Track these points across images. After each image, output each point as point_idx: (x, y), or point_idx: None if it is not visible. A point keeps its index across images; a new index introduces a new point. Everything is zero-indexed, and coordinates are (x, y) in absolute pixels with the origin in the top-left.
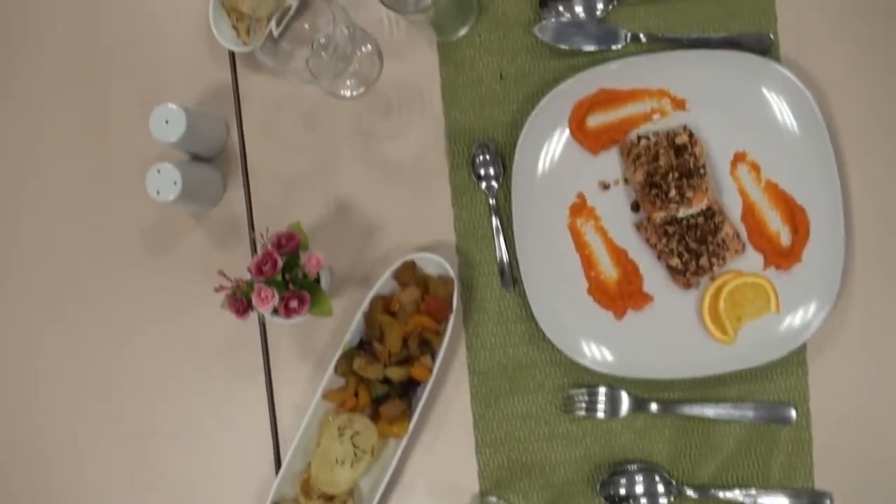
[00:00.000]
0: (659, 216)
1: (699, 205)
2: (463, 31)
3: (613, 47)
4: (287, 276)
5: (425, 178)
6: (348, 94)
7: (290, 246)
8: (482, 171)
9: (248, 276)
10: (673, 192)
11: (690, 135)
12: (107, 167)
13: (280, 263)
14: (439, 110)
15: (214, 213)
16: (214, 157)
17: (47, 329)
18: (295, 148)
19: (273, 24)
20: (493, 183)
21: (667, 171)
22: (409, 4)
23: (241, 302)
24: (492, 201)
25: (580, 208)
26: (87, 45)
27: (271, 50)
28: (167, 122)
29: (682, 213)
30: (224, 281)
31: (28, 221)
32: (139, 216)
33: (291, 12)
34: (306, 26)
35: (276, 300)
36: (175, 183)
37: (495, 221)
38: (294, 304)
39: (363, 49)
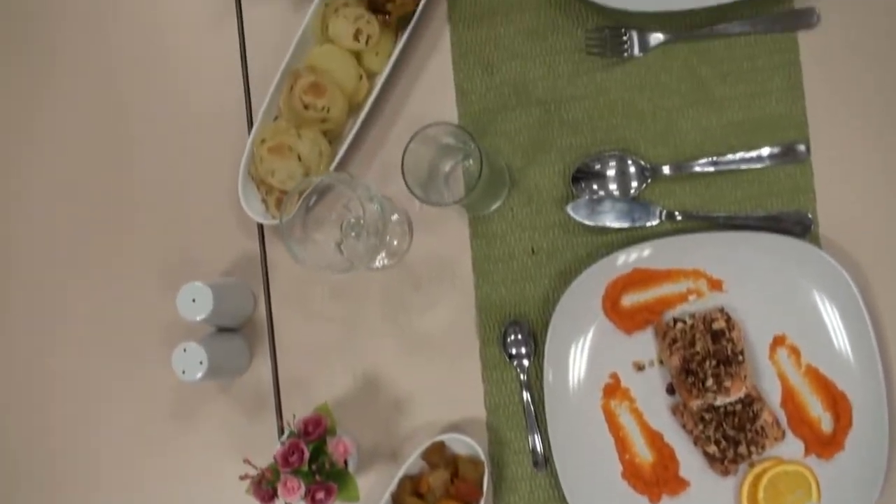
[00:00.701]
0: (695, 404)
1: (737, 394)
2: (495, 206)
3: (648, 224)
4: (314, 467)
5: (455, 353)
6: (378, 265)
7: (317, 433)
8: (513, 350)
9: (273, 462)
10: (710, 381)
11: (728, 319)
12: (131, 334)
13: (307, 454)
14: (470, 284)
15: (240, 381)
16: (241, 327)
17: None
18: (322, 319)
19: (305, 199)
20: (525, 361)
21: (703, 358)
22: (444, 198)
23: (266, 491)
24: (523, 377)
25: (614, 389)
26: (116, 210)
27: (300, 232)
28: (194, 300)
29: (720, 401)
30: (249, 469)
31: (50, 387)
32: (162, 384)
33: (314, 199)
34: (333, 215)
35: (302, 491)
36: (201, 362)
37: (526, 397)
38: (321, 495)
39: (393, 218)
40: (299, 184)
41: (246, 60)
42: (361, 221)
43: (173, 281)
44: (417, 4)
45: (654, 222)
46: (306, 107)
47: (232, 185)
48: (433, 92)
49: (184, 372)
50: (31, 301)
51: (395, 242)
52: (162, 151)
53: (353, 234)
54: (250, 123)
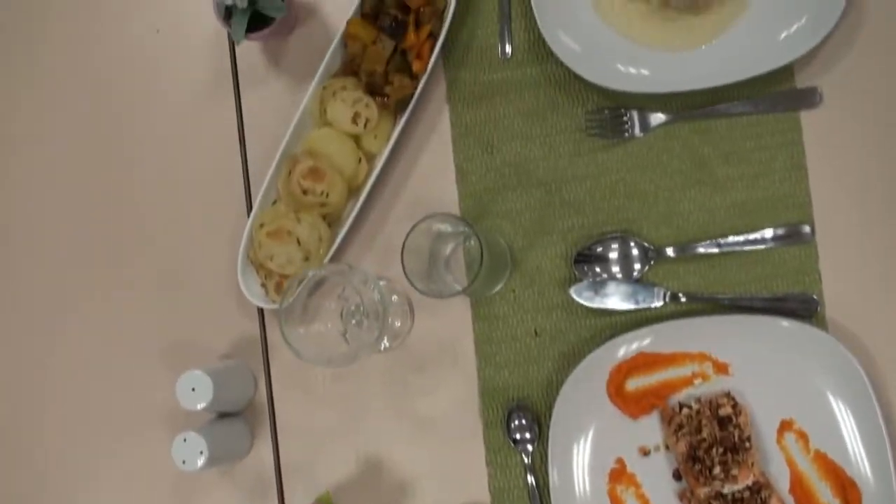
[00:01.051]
0: (703, 491)
1: (745, 481)
2: (497, 289)
3: (652, 306)
4: None
5: (458, 436)
6: (380, 347)
7: None
8: (517, 435)
9: None
10: (717, 469)
11: (734, 404)
12: (131, 416)
13: None
14: (472, 366)
15: (242, 465)
16: (242, 411)
17: None
18: (324, 401)
19: (302, 291)
20: (529, 446)
21: (710, 445)
22: (446, 286)
23: None
24: (527, 460)
25: (620, 474)
26: (116, 293)
27: (301, 326)
28: (194, 388)
29: (728, 489)
30: None
31: (49, 472)
32: (162, 467)
33: (311, 290)
34: (332, 304)
35: None
36: (201, 452)
37: (531, 481)
38: None
39: (393, 300)
40: (295, 278)
41: (244, 142)
42: (361, 308)
43: (173, 363)
44: (416, 87)
45: (658, 304)
46: (305, 192)
47: (231, 267)
48: (433, 172)
49: (184, 462)
50: (31, 383)
51: (398, 324)
52: (161, 233)
53: (353, 321)
54: (249, 205)
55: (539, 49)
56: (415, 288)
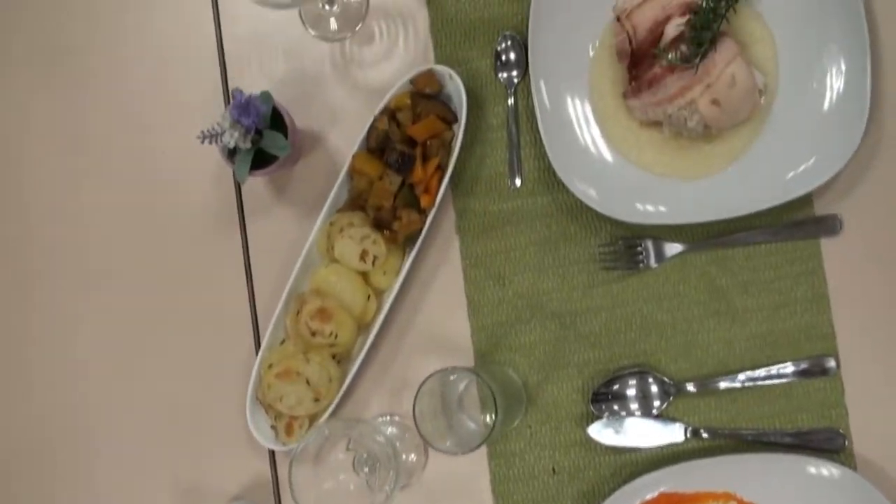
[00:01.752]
0: None
1: None
2: (513, 425)
3: (673, 442)
4: None
5: None
6: (398, 491)
7: None
8: None
9: None
10: None
11: None
12: None
13: None
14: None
15: None
16: None
17: None
18: None
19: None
20: None
21: None
22: (464, 445)
23: None
24: None
25: None
26: (123, 436)
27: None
28: None
29: None
30: None
31: None
32: None
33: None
34: (341, 457)
35: None
36: None
37: None
38: None
39: (406, 436)
40: (301, 440)
41: (251, 275)
42: (373, 454)
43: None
44: (425, 222)
45: (679, 440)
46: (314, 333)
47: (240, 407)
48: (444, 305)
49: None
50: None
51: (413, 458)
52: (168, 372)
53: (366, 469)
54: (257, 340)
55: (549, 178)
56: (435, 448)
